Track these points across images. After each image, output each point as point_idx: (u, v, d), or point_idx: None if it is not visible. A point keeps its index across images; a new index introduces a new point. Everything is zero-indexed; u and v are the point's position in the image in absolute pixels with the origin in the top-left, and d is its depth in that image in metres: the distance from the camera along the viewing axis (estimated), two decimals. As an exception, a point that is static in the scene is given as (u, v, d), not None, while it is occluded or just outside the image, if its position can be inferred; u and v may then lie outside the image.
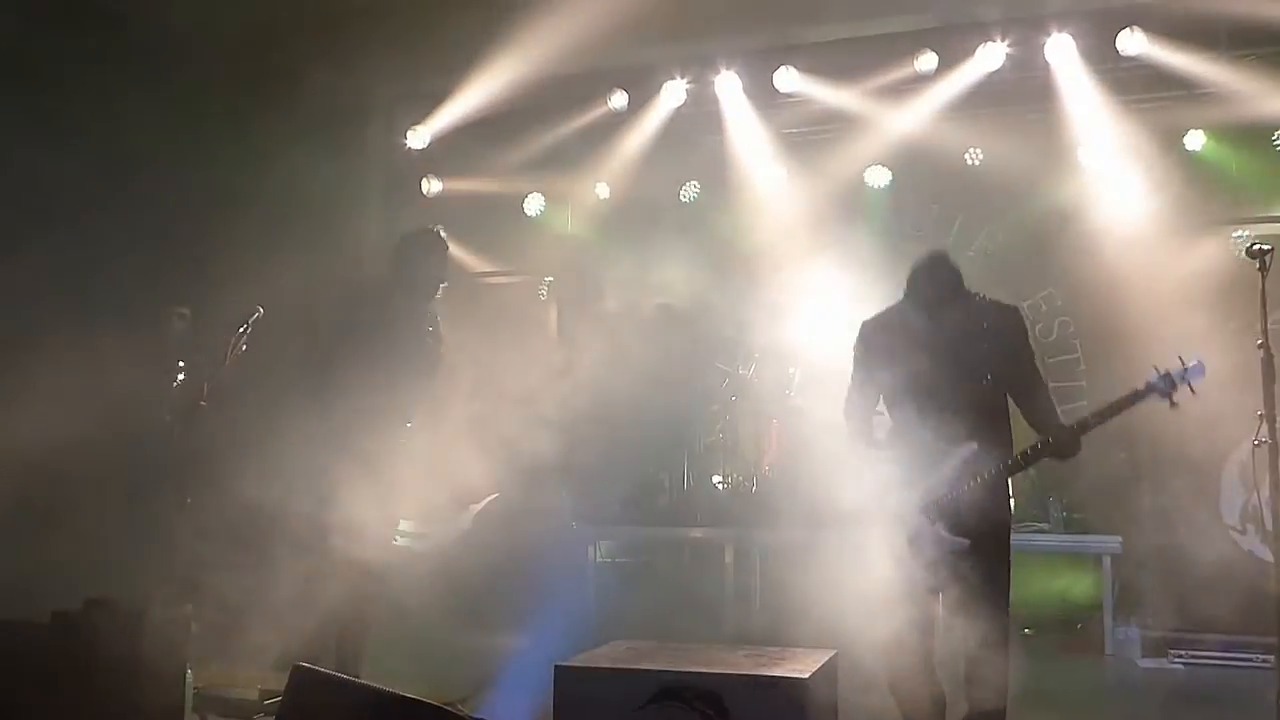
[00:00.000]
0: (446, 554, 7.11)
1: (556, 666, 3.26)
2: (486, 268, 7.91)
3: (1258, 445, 3.75)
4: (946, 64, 7.00)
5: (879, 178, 7.38)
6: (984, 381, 3.57)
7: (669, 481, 7.21)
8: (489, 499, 7.16)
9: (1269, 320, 5.85)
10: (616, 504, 7.20)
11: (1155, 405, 6.06)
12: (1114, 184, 6.77)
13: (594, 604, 6.84)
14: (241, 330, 4.98)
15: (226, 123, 6.82)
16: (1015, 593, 6.22)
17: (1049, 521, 6.38)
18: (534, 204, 7.92)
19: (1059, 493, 6.52)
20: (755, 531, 6.56)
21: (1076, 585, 6.35)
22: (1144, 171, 6.71)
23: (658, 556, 7.57)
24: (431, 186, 8.12)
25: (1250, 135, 6.70)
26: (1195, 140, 6.84)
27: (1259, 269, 3.76)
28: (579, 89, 7.70)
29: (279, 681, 3.35)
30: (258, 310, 5.04)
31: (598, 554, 7.19)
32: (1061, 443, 3.44)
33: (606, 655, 3.47)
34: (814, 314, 6.11)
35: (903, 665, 3.75)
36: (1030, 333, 3.80)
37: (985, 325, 3.65)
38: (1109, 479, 6.61)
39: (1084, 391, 7.01)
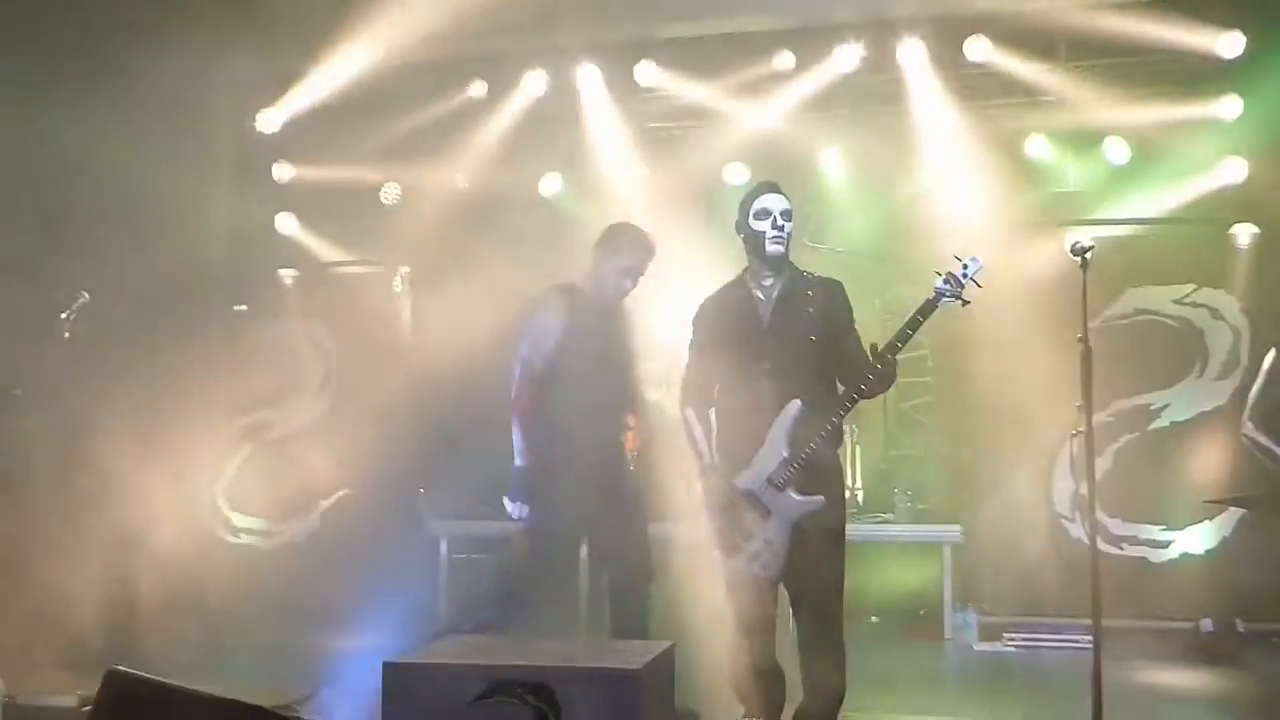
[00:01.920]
0: (293, 551, 6.94)
1: (384, 663, 3.17)
2: (338, 257, 7.68)
3: (1075, 435, 3.87)
4: (803, 64, 7.14)
5: (737, 174, 7.44)
6: (811, 348, 3.66)
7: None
8: (339, 494, 7.00)
9: (1100, 318, 6.23)
10: (471, 499, 7.07)
11: (996, 399, 6.35)
12: (961, 186, 6.99)
13: (446, 600, 6.71)
14: (65, 315, 4.71)
15: (62, 100, 6.45)
16: (863, 582, 6.50)
17: (894, 512, 6.55)
18: (390, 192, 7.72)
19: (904, 485, 6.71)
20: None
21: (919, 573, 6.53)
22: (988, 174, 6.95)
23: (513, 551, 7.47)
24: (282, 172, 7.84)
25: (1084, 141, 7.01)
26: (1035, 145, 7.12)
27: (1080, 266, 3.90)
28: (438, 76, 7.57)
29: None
30: (82, 295, 4.77)
31: (451, 550, 7.05)
32: (882, 373, 3.52)
33: (438, 651, 3.39)
34: (669, 309, 6.13)
35: (744, 652, 3.79)
36: (853, 309, 3.87)
37: (810, 294, 3.76)
38: (951, 471, 6.86)
39: (930, 387, 7.23)
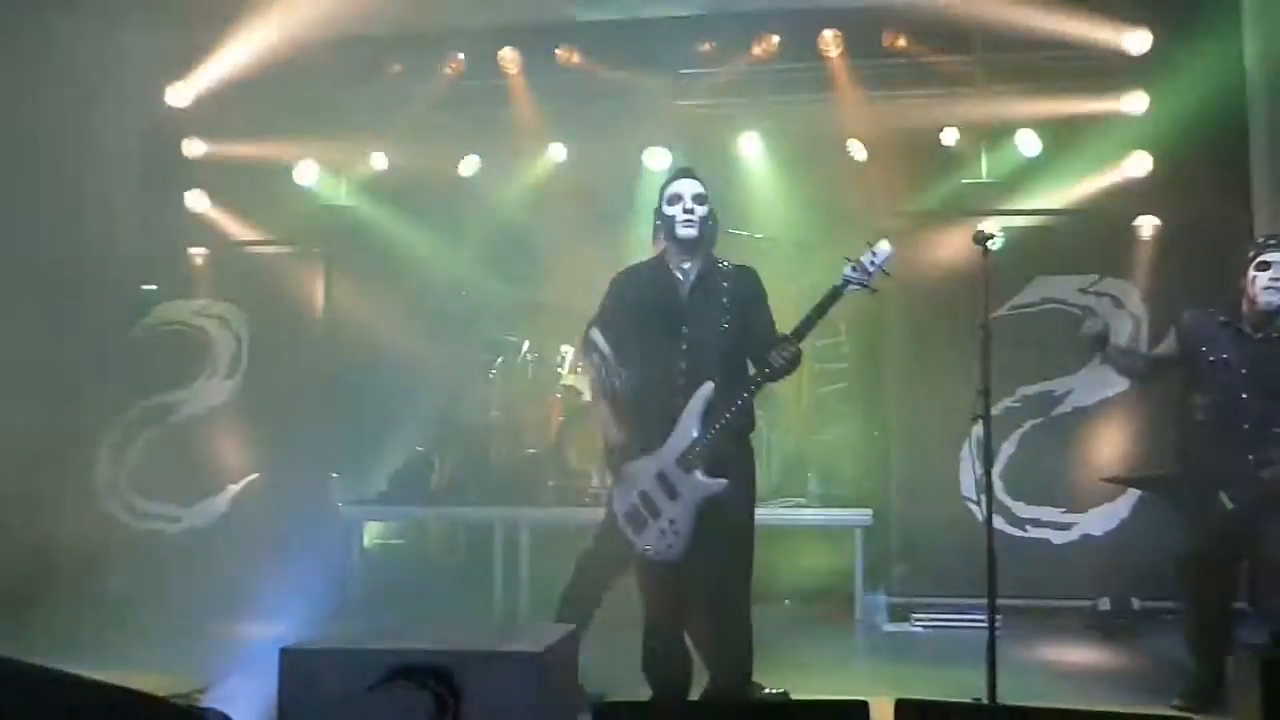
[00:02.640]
0: (200, 536, 6.79)
1: (281, 649, 3.12)
2: (251, 236, 7.52)
3: (974, 419, 3.95)
4: (724, 50, 7.17)
5: (658, 160, 7.45)
6: (727, 331, 3.68)
7: (441, 461, 7.07)
8: (248, 479, 6.87)
9: (1008, 305, 6.37)
10: (386, 484, 7.00)
11: (909, 385, 6.44)
12: (878, 175, 7.09)
13: (361, 587, 6.64)
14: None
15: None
16: (776, 565, 6.57)
17: (806, 496, 6.63)
18: (306, 172, 7.58)
19: (818, 469, 6.80)
20: (527, 510, 6.53)
21: (832, 557, 6.63)
22: (904, 164, 7.06)
23: (429, 537, 7.44)
24: (193, 148, 7.64)
25: (997, 133, 7.15)
26: (950, 136, 7.24)
27: (983, 254, 3.97)
28: (357, 54, 7.45)
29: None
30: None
31: (366, 536, 6.97)
32: (788, 355, 3.54)
33: (338, 636, 3.36)
34: (589, 293, 6.13)
35: (651, 633, 3.80)
36: (766, 293, 3.90)
37: (726, 281, 3.78)
38: (864, 456, 6.97)
39: (847, 374, 7.33)
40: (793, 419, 7.10)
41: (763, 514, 6.50)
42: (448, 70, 7.37)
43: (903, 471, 6.38)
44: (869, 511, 6.29)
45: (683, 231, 3.78)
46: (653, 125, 7.30)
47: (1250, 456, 4.04)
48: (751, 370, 3.76)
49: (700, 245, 3.81)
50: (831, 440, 7.16)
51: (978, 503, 6.37)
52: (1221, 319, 4.24)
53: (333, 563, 6.41)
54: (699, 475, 3.57)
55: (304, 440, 6.74)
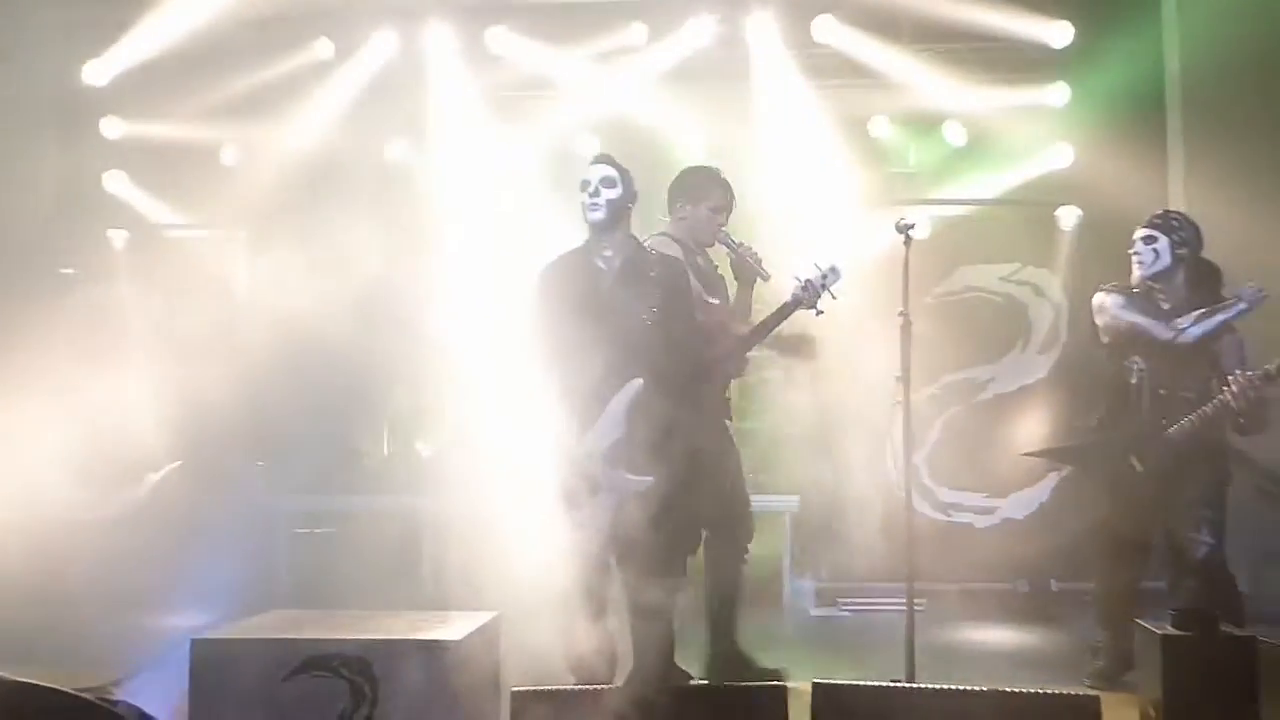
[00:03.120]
0: (118, 526, 6.62)
1: (192, 640, 3.07)
2: (172, 219, 7.34)
3: (894, 405, 4.01)
4: (656, 36, 7.14)
5: (589, 145, 7.39)
6: (650, 320, 3.68)
7: (369, 448, 6.99)
8: (169, 467, 6.72)
9: (932, 294, 6.48)
10: (312, 472, 6.89)
11: (837, 372, 6.51)
12: (807, 164, 7.12)
13: (286, 577, 6.54)
14: None
15: None
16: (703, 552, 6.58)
17: (736, 483, 6.65)
18: (229, 153, 7.41)
19: (747, 456, 6.82)
20: (455, 499, 6.46)
21: (760, 542, 6.65)
22: (834, 153, 7.10)
23: (357, 526, 7.33)
24: (112, 127, 7.43)
25: (924, 124, 7.24)
26: (879, 126, 7.31)
27: (904, 243, 4.02)
28: (282, 33, 7.27)
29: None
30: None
31: (292, 524, 6.86)
32: (729, 365, 3.57)
33: (252, 626, 3.30)
34: (517, 279, 6.09)
35: (575, 622, 3.80)
36: (690, 282, 3.90)
37: (652, 277, 3.77)
38: (792, 442, 7.02)
39: (775, 360, 7.35)
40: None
41: (692, 500, 6.60)
42: (375, 49, 7.23)
43: (831, 458, 6.45)
44: (796, 498, 6.35)
45: (590, 216, 3.80)
46: (584, 112, 7.25)
47: (1163, 419, 4.23)
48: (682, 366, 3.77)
49: (613, 229, 3.79)
50: (761, 427, 7.20)
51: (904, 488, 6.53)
52: (1137, 290, 4.47)
53: (257, 551, 6.31)
54: (624, 472, 3.57)
55: (227, 427, 6.60)
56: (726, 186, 4.44)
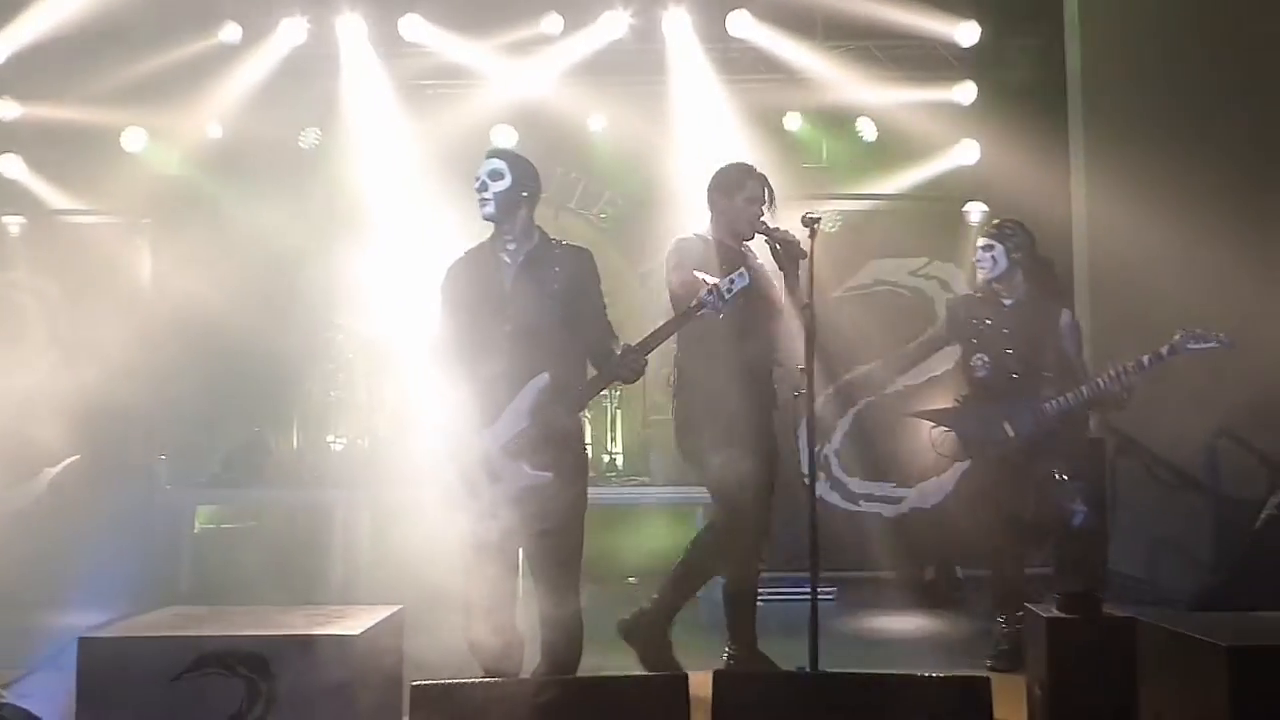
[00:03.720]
0: (15, 522, 6.40)
1: (79, 639, 2.97)
2: (72, 205, 7.10)
3: (796, 396, 4.04)
4: (571, 28, 7.12)
5: (505, 137, 7.36)
6: (555, 315, 3.66)
7: (277, 442, 6.86)
8: (67, 461, 6.52)
9: (844, 287, 6.58)
10: (219, 466, 6.74)
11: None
12: (721, 158, 7.14)
13: (189, 573, 6.38)
14: None
15: None
16: (622, 544, 6.62)
17: (650, 475, 6.70)
18: (133, 138, 7.20)
19: (660, 449, 6.87)
20: (367, 492, 6.39)
21: (676, 535, 6.70)
22: (748, 148, 7.15)
23: (266, 520, 7.19)
24: (6, 109, 7.16)
25: (837, 119, 7.33)
26: (793, 121, 7.38)
27: (809, 236, 4.05)
28: (186, 15, 7.09)
29: None
30: None
31: (198, 519, 6.70)
32: (629, 364, 3.56)
33: (144, 623, 3.22)
34: (429, 272, 6.02)
35: (481, 615, 3.77)
36: (599, 276, 3.89)
37: (557, 270, 3.75)
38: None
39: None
40: (638, 399, 7.15)
41: (609, 493, 6.62)
42: (285, 36, 7.08)
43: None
44: (709, 490, 6.38)
45: (482, 211, 3.77)
46: (499, 102, 7.20)
47: (1038, 391, 4.62)
48: (588, 360, 3.76)
49: (510, 222, 3.77)
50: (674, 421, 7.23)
51: (816, 478, 6.62)
52: (979, 295, 4.96)
53: (160, 548, 6.16)
54: (524, 465, 3.55)
55: (129, 419, 6.42)
56: (762, 179, 4.43)
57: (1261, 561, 5.05)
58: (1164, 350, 4.47)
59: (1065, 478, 4.56)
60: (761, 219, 4.28)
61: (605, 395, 7.09)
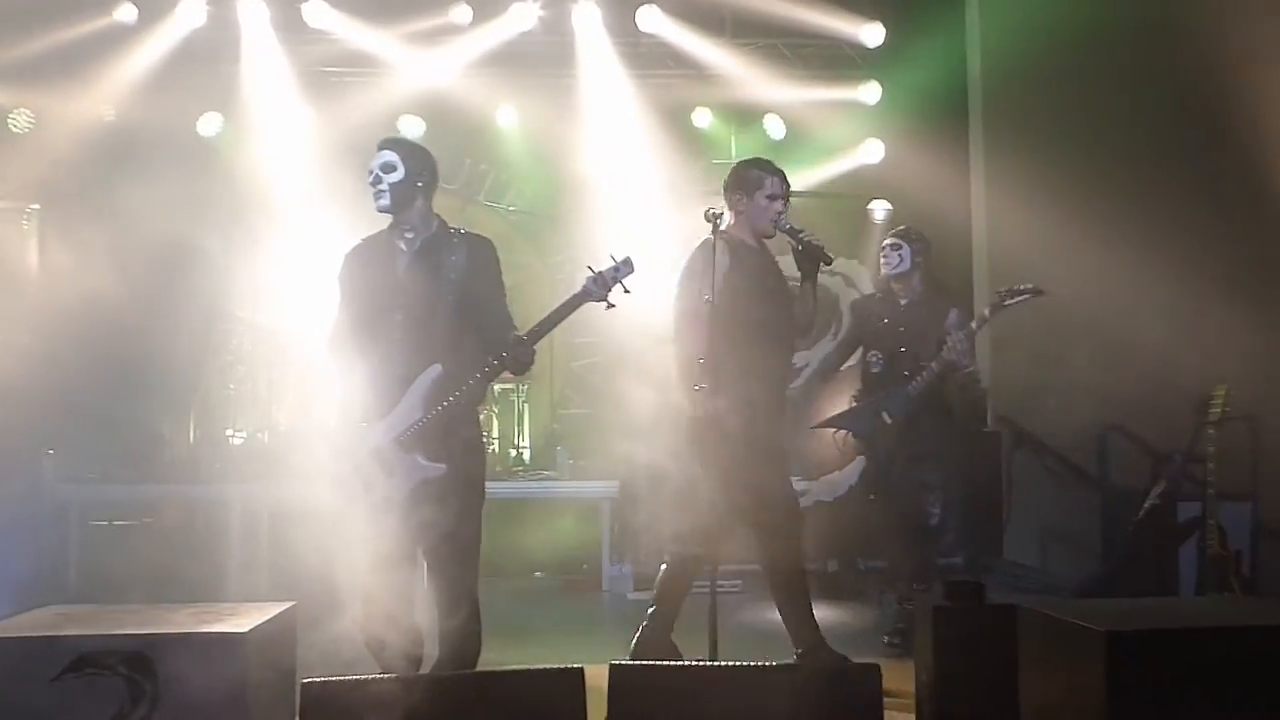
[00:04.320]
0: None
1: (-52, 641, 2.85)
2: (-49, 188, 6.80)
3: (697, 389, 4.06)
4: (480, 18, 7.05)
5: (412, 127, 7.26)
6: (450, 304, 3.62)
7: (172, 435, 6.66)
8: (-57, 457, 6.24)
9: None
10: (110, 460, 6.52)
11: (658, 358, 6.59)
12: (630, 153, 7.18)
13: (77, 571, 6.17)
14: None
15: None
16: (528, 538, 6.59)
17: (557, 469, 6.68)
18: (20, 120, 6.92)
19: (570, 443, 6.86)
20: (265, 487, 6.24)
21: (581, 529, 6.71)
22: (657, 143, 7.18)
23: (161, 517, 6.98)
24: (-120, 89, 6.83)
25: (746, 116, 7.40)
26: (702, 117, 7.43)
27: (712, 231, 4.07)
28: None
29: None
30: None
31: (86, 515, 6.47)
32: (517, 355, 3.54)
33: (22, 623, 3.10)
34: (329, 262, 5.91)
35: (377, 611, 3.72)
36: (499, 265, 3.84)
37: (453, 258, 3.70)
38: (613, 429, 7.07)
39: (599, 347, 7.41)
40: (546, 394, 7.13)
41: (515, 488, 6.59)
42: (183, 18, 6.88)
43: (648, 445, 6.50)
44: (615, 484, 6.41)
45: (378, 203, 3.71)
46: (406, 92, 7.10)
47: (905, 374, 4.89)
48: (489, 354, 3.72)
49: (407, 211, 3.72)
50: (584, 414, 7.25)
51: (718, 472, 6.67)
52: (879, 295, 5.23)
53: (48, 546, 5.94)
54: (419, 458, 3.51)
55: (11, 413, 6.15)
56: (782, 175, 4.41)
57: (1144, 550, 5.23)
58: (986, 312, 4.85)
59: (929, 478, 4.82)
60: (783, 216, 4.30)
61: (513, 390, 7.06)
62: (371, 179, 3.66)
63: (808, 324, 4.51)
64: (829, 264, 4.33)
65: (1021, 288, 4.77)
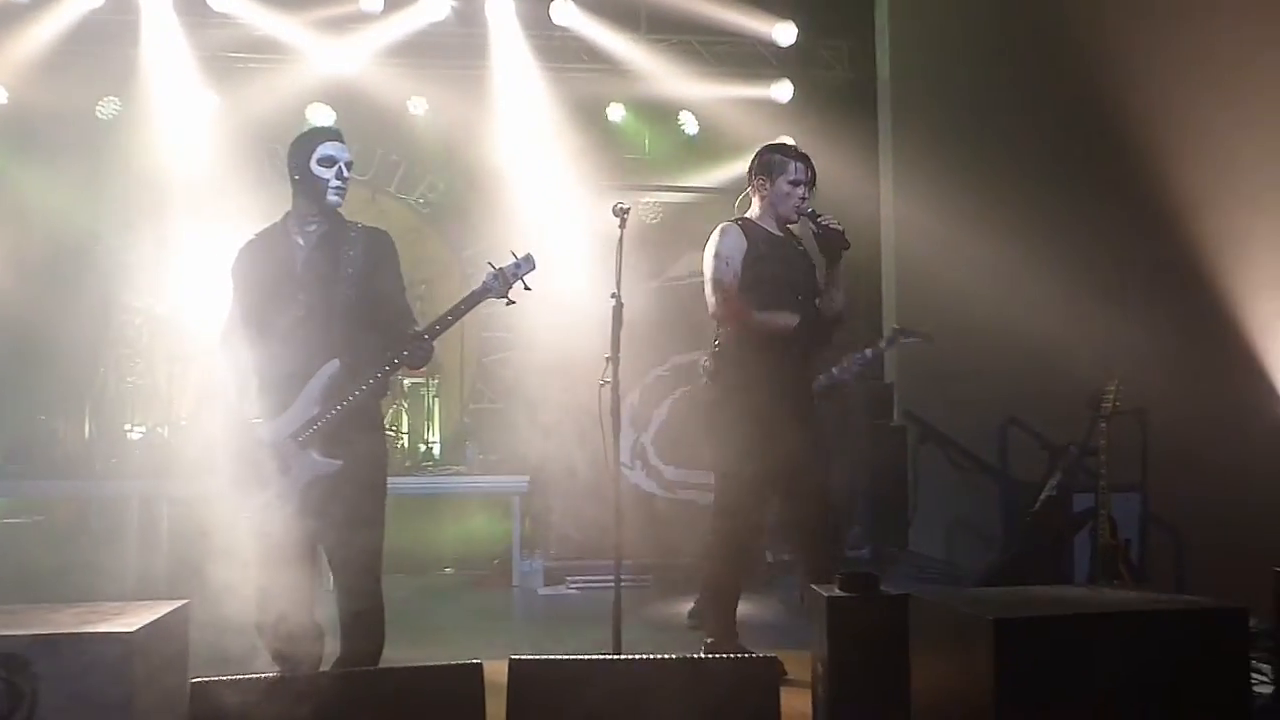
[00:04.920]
0: None
1: None
2: None
3: (602, 385, 4.05)
4: (391, 7, 6.95)
5: (322, 115, 7.13)
6: (348, 298, 3.56)
7: (66, 430, 6.44)
8: None
9: (662, 278, 6.64)
10: (1, 457, 6.28)
11: (569, 352, 6.58)
12: (544, 147, 7.14)
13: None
14: None
15: None
16: (438, 534, 6.53)
17: (466, 464, 6.63)
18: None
19: (482, 437, 6.81)
20: (166, 483, 6.07)
21: (492, 524, 6.68)
22: (571, 137, 7.16)
23: (55, 514, 6.75)
24: None
25: (660, 112, 7.42)
26: (616, 112, 7.43)
27: (619, 226, 4.06)
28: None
29: None
30: None
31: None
32: (414, 351, 3.50)
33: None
34: (229, 253, 5.77)
35: (275, 609, 3.64)
36: (398, 258, 3.79)
37: (352, 244, 3.64)
38: (525, 423, 7.04)
39: (510, 341, 7.37)
40: (455, 387, 7.06)
41: (424, 483, 6.52)
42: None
43: (559, 440, 6.50)
44: (526, 478, 6.38)
45: (332, 198, 3.60)
46: (315, 80, 6.97)
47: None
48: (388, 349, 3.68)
49: (309, 207, 3.66)
50: (496, 408, 7.20)
51: (631, 467, 6.71)
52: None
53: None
54: (314, 453, 3.44)
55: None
56: (806, 160, 4.33)
57: (1041, 540, 5.38)
58: (882, 345, 4.97)
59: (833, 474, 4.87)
60: (805, 201, 4.21)
61: (423, 385, 6.99)
62: (337, 173, 3.57)
63: (836, 311, 4.32)
64: (848, 249, 4.18)
65: (916, 331, 4.92)
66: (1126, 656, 2.90)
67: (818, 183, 4.39)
